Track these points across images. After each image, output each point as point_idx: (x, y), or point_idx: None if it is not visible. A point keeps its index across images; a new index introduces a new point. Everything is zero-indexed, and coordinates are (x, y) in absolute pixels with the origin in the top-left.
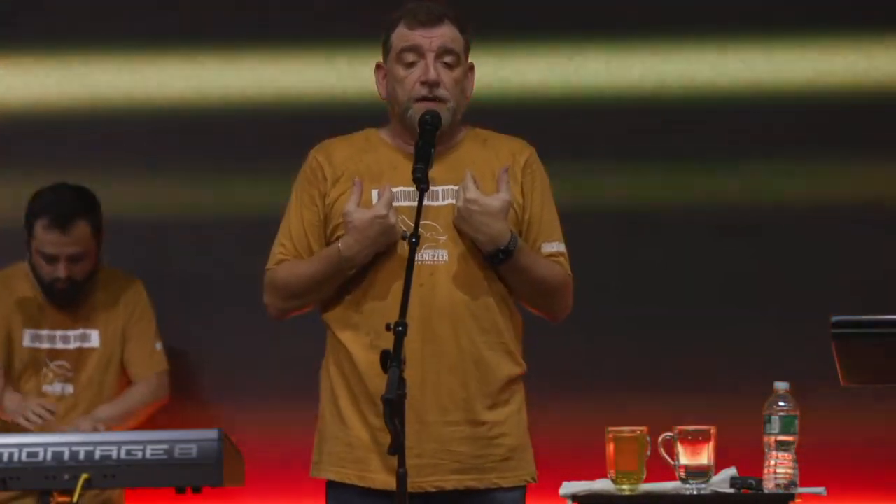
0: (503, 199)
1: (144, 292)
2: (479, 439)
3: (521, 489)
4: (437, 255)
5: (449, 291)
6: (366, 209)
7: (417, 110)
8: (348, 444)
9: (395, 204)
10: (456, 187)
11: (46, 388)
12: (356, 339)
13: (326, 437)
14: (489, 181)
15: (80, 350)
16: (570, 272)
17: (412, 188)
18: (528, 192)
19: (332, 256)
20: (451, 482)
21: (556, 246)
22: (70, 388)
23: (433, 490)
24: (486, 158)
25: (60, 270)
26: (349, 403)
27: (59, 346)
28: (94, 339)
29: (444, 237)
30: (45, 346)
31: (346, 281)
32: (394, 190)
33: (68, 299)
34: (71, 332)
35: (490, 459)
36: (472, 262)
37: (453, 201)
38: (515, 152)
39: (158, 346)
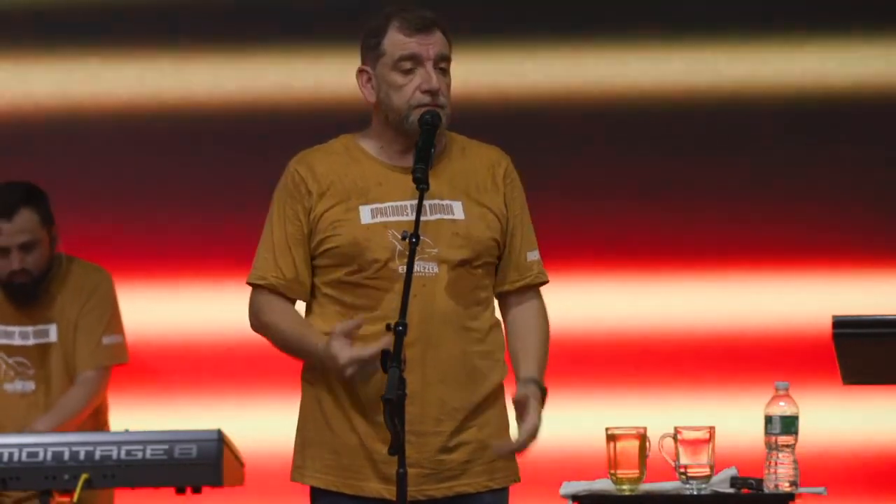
0: (536, 424)
1: (105, 284)
2: (470, 444)
3: (507, 490)
4: (427, 267)
5: (443, 302)
6: (340, 358)
7: (417, 116)
8: (335, 450)
9: (383, 219)
10: (444, 202)
11: (7, 386)
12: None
13: (310, 442)
14: (473, 191)
15: (38, 346)
16: (547, 277)
17: (401, 202)
18: (510, 202)
19: (311, 352)
20: (443, 490)
21: (536, 254)
22: (31, 386)
23: (423, 499)
24: (468, 169)
25: (14, 262)
26: (335, 410)
27: (17, 342)
28: (52, 333)
29: (434, 250)
30: (3, 341)
31: (337, 294)
32: (382, 205)
33: (29, 293)
34: (30, 328)
35: (480, 463)
36: (463, 272)
37: (442, 216)
38: (494, 162)
39: (108, 339)
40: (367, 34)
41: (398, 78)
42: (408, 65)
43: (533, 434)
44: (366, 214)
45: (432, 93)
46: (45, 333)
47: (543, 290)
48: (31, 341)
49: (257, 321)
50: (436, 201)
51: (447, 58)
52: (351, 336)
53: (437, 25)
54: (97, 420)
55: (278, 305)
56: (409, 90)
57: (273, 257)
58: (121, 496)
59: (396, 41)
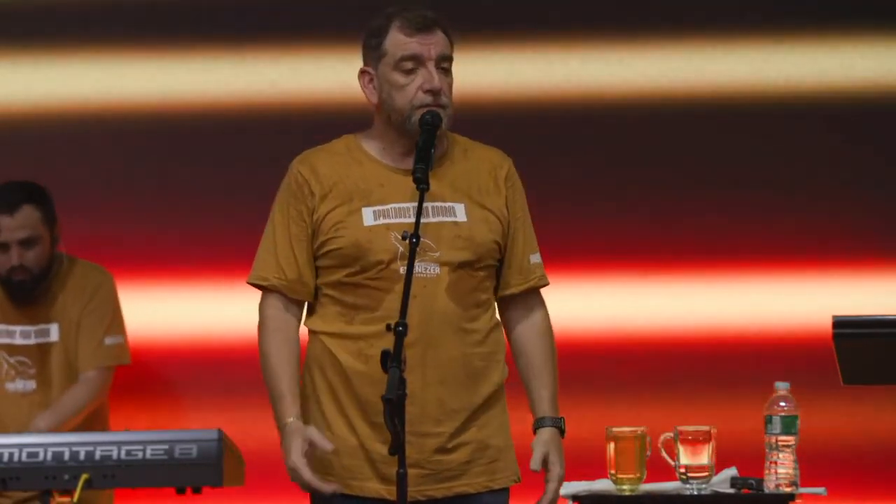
0: (560, 474)
1: (107, 284)
2: (470, 444)
3: (507, 490)
4: (428, 268)
5: (443, 303)
6: (289, 456)
7: (419, 117)
8: (335, 451)
9: (385, 221)
10: (446, 204)
11: (8, 385)
12: (344, 347)
13: None
14: (475, 193)
15: (39, 346)
16: (547, 280)
17: (403, 204)
18: (511, 205)
19: (277, 417)
20: (442, 490)
21: (538, 257)
22: (32, 385)
23: (423, 499)
24: (469, 171)
25: (13, 258)
26: (335, 410)
27: (18, 341)
28: (54, 333)
29: (436, 253)
30: (4, 340)
31: (337, 294)
32: (384, 207)
33: (27, 292)
34: (31, 328)
35: (480, 463)
36: (464, 274)
37: (444, 218)
38: (496, 165)
39: (110, 340)
40: (368, 35)
41: (400, 78)
42: (409, 65)
43: (559, 484)
44: (368, 216)
45: (434, 92)
46: (46, 333)
47: (543, 290)
48: (32, 341)
49: (259, 337)
50: (438, 203)
51: (449, 58)
52: (312, 449)
53: (438, 25)
54: (98, 421)
55: (279, 337)
56: (412, 90)
57: (275, 258)
58: (121, 496)
59: (398, 41)
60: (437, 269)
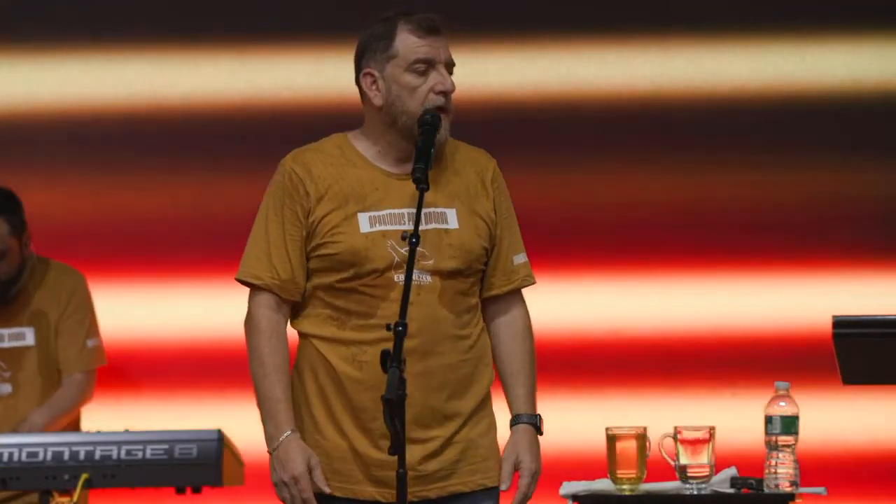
0: (532, 469)
1: (82, 286)
2: (460, 443)
3: (498, 489)
4: (422, 277)
5: (437, 311)
6: (294, 467)
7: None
8: (326, 454)
9: (381, 227)
10: (439, 210)
11: None
12: (335, 351)
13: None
14: (465, 197)
15: (15, 349)
16: (534, 279)
17: (398, 210)
18: (498, 207)
19: (273, 425)
20: (436, 490)
21: (523, 257)
22: (7, 388)
23: (417, 500)
24: (459, 174)
25: None
26: (324, 413)
27: None
28: (30, 337)
29: (430, 261)
30: None
31: (328, 297)
32: (379, 213)
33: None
34: (5, 331)
35: (470, 462)
36: (454, 281)
37: (437, 226)
38: (483, 167)
39: (91, 342)
40: (372, 37)
41: (412, 80)
42: (422, 67)
43: (532, 480)
44: (364, 222)
45: (446, 94)
46: (22, 336)
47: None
48: (6, 344)
49: (248, 337)
50: (431, 209)
51: (454, 63)
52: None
53: (443, 29)
54: (71, 423)
55: (273, 339)
56: (423, 92)
57: (268, 257)
58: (121, 496)
59: (410, 43)
60: (429, 278)
